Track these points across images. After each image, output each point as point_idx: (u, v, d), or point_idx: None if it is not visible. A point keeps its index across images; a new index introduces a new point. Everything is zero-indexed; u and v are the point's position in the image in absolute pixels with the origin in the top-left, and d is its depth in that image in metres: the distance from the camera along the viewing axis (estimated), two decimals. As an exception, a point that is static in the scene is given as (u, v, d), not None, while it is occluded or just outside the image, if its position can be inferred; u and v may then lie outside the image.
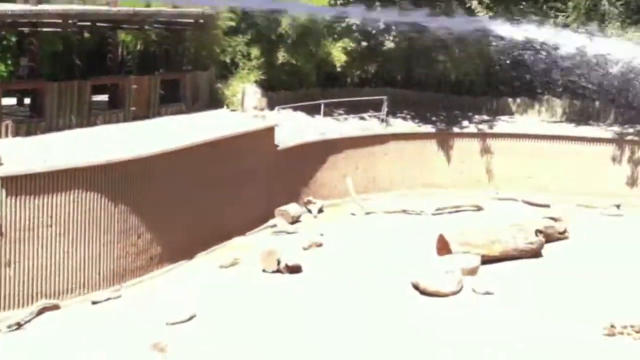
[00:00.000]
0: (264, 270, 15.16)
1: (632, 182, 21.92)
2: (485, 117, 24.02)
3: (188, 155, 15.90)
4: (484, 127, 23.29)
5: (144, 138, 15.96)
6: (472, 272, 14.75)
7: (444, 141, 22.84)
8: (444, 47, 24.19)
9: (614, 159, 22.13)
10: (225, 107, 20.55)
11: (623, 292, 14.07)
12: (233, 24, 21.53)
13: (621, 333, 12.39)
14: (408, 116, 23.65)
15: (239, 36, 21.77)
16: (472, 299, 13.92)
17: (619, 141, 22.26)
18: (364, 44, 23.51)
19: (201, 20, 20.14)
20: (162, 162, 15.16)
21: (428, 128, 23.10)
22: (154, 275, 14.91)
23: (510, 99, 24.64)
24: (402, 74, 24.99)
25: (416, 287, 14.14)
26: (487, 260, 15.55)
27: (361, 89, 24.02)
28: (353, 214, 20.02)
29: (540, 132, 22.90)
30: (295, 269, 15.17)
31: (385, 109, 22.61)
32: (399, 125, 23.05)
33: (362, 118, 22.69)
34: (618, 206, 21.02)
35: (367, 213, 20.03)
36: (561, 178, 22.17)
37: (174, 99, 19.52)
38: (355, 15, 21.33)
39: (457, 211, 20.38)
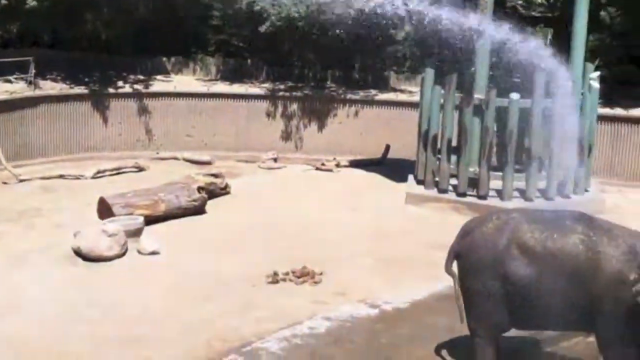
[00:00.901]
0: None
1: (286, 136, 22.82)
2: (141, 77, 23.52)
3: None
4: (140, 87, 22.79)
5: None
6: (137, 233, 14.35)
7: (100, 102, 21.99)
8: (93, 6, 23.26)
9: (268, 115, 22.85)
10: None
11: (284, 241, 14.57)
12: None
13: (284, 280, 12.79)
14: (59, 77, 22.37)
15: None
16: (137, 260, 13.57)
17: (272, 97, 23.00)
18: (4, 2, 21.77)
19: None
20: None
21: (81, 89, 22.07)
22: None
23: (164, 58, 24.38)
24: (48, 34, 23.64)
25: (78, 252, 13.44)
26: (151, 220, 15.26)
27: (4, 50, 22.30)
28: (5, 183, 18.60)
29: (197, 90, 22.96)
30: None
31: (32, 70, 21.16)
32: (50, 87, 21.75)
33: (8, 81, 21.01)
34: (275, 159, 21.83)
35: (21, 180, 18.72)
36: (220, 135, 22.53)
37: None
38: None
39: (118, 173, 19.80)
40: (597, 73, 17.63)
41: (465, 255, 9.09)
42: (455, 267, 9.24)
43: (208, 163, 21.28)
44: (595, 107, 17.60)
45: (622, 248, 8.59)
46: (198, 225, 15.73)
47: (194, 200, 16.31)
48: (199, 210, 16.34)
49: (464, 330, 9.38)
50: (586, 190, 17.65)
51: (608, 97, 19.45)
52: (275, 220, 15.74)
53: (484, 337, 9.09)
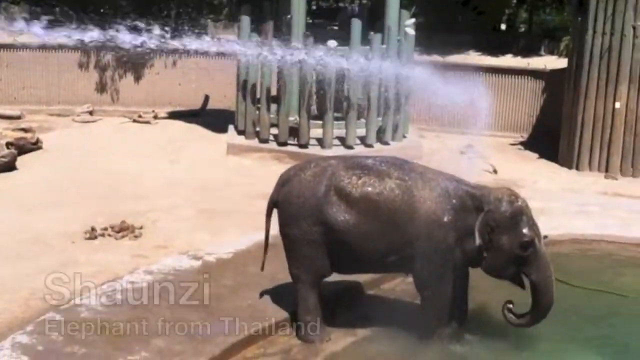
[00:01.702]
0: None
1: (101, 88, 21.95)
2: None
3: None
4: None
5: None
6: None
7: None
8: None
9: (81, 66, 21.87)
10: None
11: (101, 195, 14.10)
12: None
13: (102, 235, 12.38)
14: None
15: None
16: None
17: (83, 48, 21.96)
18: None
19: None
20: None
21: None
22: None
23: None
24: None
25: None
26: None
27: None
28: None
29: (2, 41, 21.41)
30: None
31: None
32: None
33: None
34: (91, 112, 20.98)
35: None
36: (30, 88, 21.39)
37: None
38: None
39: None
40: (413, 20, 18.05)
41: (284, 204, 9.13)
42: (275, 215, 9.27)
43: (17, 117, 20.20)
44: (411, 54, 18.02)
45: (436, 191, 8.88)
46: (8, 182, 14.94)
47: (3, 157, 15.50)
48: (8, 166, 15.55)
49: (287, 278, 9.47)
50: (404, 137, 18.19)
51: (424, 44, 19.86)
52: (91, 175, 15.20)
53: (306, 283, 9.21)
